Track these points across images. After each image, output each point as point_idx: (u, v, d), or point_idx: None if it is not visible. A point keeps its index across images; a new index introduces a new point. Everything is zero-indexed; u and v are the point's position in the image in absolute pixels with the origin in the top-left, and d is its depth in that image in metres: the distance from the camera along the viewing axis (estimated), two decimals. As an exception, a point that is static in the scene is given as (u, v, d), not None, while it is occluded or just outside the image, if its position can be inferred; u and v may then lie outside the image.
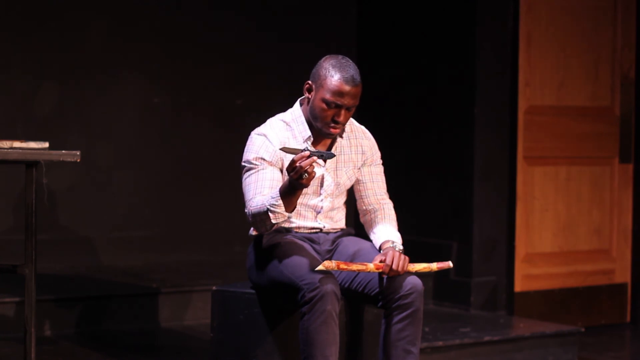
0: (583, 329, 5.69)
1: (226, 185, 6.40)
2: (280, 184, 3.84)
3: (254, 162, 3.90)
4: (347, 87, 3.81)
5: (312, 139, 3.94)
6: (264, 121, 4.07)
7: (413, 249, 6.18)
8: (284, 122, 3.97)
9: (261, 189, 3.85)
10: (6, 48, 5.80)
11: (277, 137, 3.91)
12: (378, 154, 4.12)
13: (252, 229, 4.06)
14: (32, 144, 4.00)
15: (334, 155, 3.73)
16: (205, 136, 6.37)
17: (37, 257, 4.00)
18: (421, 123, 6.30)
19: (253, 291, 4.07)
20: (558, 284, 6.34)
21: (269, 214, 3.75)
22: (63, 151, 3.99)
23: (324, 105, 3.83)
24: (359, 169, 4.07)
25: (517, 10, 6.09)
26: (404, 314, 3.82)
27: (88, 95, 6.02)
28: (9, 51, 5.80)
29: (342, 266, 3.76)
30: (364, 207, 4.11)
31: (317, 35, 6.64)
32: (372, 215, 4.08)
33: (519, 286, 6.16)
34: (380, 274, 3.82)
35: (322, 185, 3.99)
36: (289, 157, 3.87)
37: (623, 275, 6.60)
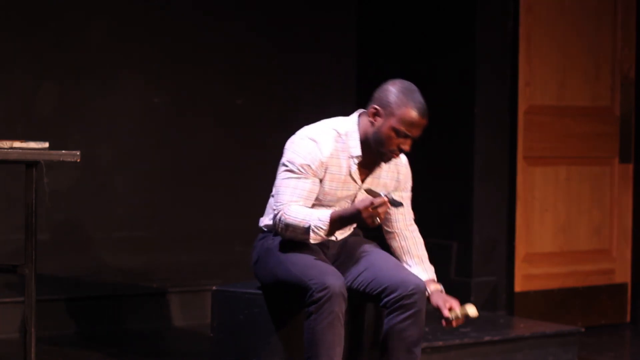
0: (583, 329, 5.68)
1: (226, 185, 6.40)
2: (315, 196, 3.84)
3: (299, 167, 3.84)
4: (419, 120, 3.83)
5: (360, 158, 3.90)
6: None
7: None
8: (338, 132, 3.91)
9: (297, 197, 3.82)
10: (6, 48, 5.80)
11: (327, 147, 3.86)
12: (410, 182, 4.12)
13: (265, 219, 4.04)
14: (32, 144, 4.00)
15: (402, 205, 3.79)
16: (205, 136, 6.37)
17: (37, 257, 4.00)
18: (421, 123, 6.30)
19: (253, 291, 4.07)
20: (558, 284, 6.34)
21: (310, 232, 3.75)
22: (63, 151, 3.99)
23: (393, 134, 3.81)
24: (393, 186, 4.05)
25: (517, 10, 6.09)
26: (407, 314, 3.82)
27: (88, 95, 6.02)
28: (9, 51, 5.80)
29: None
30: (392, 231, 4.10)
31: (317, 35, 6.64)
32: (404, 243, 4.09)
33: (519, 286, 6.16)
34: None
35: (352, 202, 3.97)
36: (332, 169, 3.85)
37: (623, 275, 6.60)
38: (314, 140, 3.86)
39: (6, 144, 3.94)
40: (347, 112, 3.92)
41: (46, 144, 4.04)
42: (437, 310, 3.99)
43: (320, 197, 3.90)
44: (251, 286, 4.12)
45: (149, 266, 6.00)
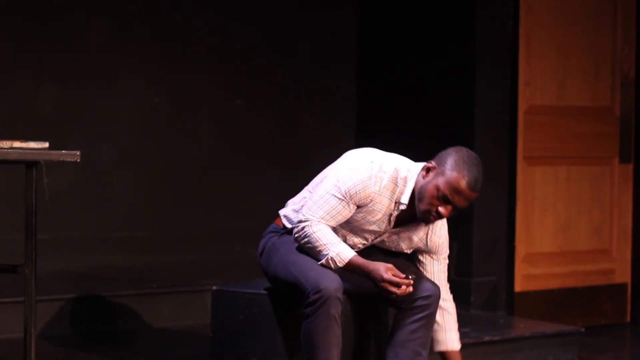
0: (583, 329, 5.68)
1: (226, 185, 6.40)
2: (345, 220, 3.80)
3: (346, 191, 3.77)
4: (466, 190, 3.71)
5: (404, 208, 3.83)
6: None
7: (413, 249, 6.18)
8: (398, 173, 3.81)
9: (330, 217, 3.78)
10: (6, 48, 5.80)
11: (381, 183, 3.78)
12: (446, 250, 4.02)
13: (289, 214, 3.99)
14: (32, 144, 3.99)
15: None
16: (205, 136, 6.37)
17: (37, 257, 4.00)
18: (421, 123, 6.30)
19: (253, 291, 4.07)
20: (558, 284, 6.34)
21: (322, 258, 3.74)
22: (63, 151, 3.99)
23: (435, 193, 3.72)
24: (411, 247, 3.98)
25: (517, 10, 6.09)
26: (420, 315, 3.84)
27: (88, 95, 6.02)
28: (9, 51, 5.80)
29: None
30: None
31: (317, 35, 6.64)
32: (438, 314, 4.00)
33: (519, 286, 6.16)
34: None
35: (375, 240, 3.96)
36: (374, 205, 3.79)
37: (623, 275, 6.60)
38: (373, 171, 3.79)
39: (6, 144, 3.94)
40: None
41: (46, 144, 4.04)
42: None
43: (348, 225, 3.88)
44: (251, 286, 4.13)
45: (149, 266, 6.00)
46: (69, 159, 3.98)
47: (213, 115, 6.39)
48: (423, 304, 3.83)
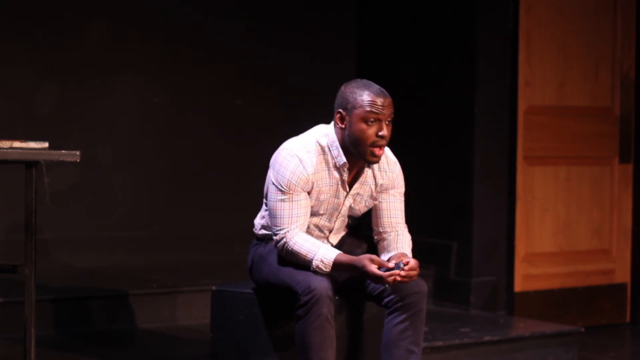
0: (583, 329, 5.69)
1: (226, 185, 6.40)
2: (309, 210, 3.86)
3: (286, 188, 3.84)
4: (380, 99, 3.79)
5: (347, 165, 3.89)
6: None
7: (413, 249, 6.18)
8: (320, 145, 3.89)
9: (296, 218, 3.84)
10: (6, 48, 5.80)
11: (311, 162, 3.85)
12: (401, 182, 4.07)
13: (258, 226, 4.07)
14: (32, 144, 4.00)
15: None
16: (205, 136, 6.36)
17: (37, 257, 4.00)
18: (421, 123, 6.30)
19: (253, 291, 4.07)
20: (558, 284, 6.34)
21: (310, 266, 3.79)
22: (63, 151, 3.99)
23: (364, 125, 3.78)
24: (375, 198, 4.04)
25: (517, 10, 6.09)
26: (408, 314, 3.84)
27: (88, 95, 6.02)
28: (9, 51, 5.80)
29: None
30: (377, 229, 4.08)
31: (317, 35, 6.64)
32: (386, 242, 4.05)
33: (518, 286, 6.16)
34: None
35: (340, 210, 3.99)
36: (319, 183, 3.86)
37: (623, 275, 6.60)
38: (298, 157, 3.85)
39: (6, 144, 3.94)
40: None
41: (46, 144, 4.04)
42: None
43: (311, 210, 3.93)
44: (251, 286, 4.13)
45: (149, 266, 6.00)
46: (69, 159, 3.98)
47: (213, 115, 6.39)
48: (410, 302, 3.84)
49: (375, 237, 4.09)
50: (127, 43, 6.11)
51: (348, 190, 3.95)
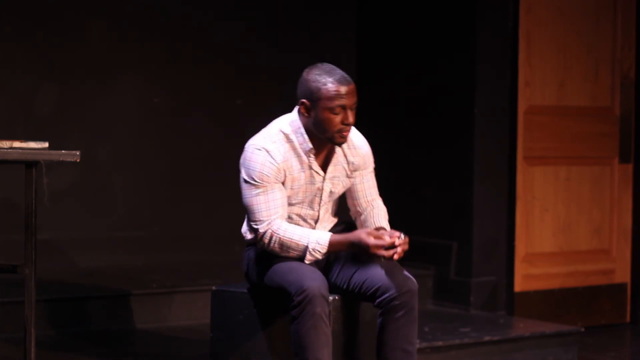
0: (583, 329, 5.69)
1: (226, 185, 6.39)
2: (287, 201, 3.87)
3: (259, 181, 3.86)
4: (344, 88, 3.81)
5: (313, 151, 3.92)
6: (266, 121, 4.06)
7: (413, 249, 6.18)
8: (284, 133, 3.93)
9: (274, 209, 3.85)
10: (6, 48, 5.80)
11: (279, 151, 3.88)
12: (371, 160, 4.12)
13: (246, 233, 4.07)
14: (32, 144, 4.00)
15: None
16: (205, 136, 6.36)
17: (37, 257, 4.00)
18: (421, 123, 6.30)
19: (253, 291, 4.07)
20: (558, 284, 6.34)
21: (307, 254, 3.79)
22: (63, 151, 3.99)
23: (330, 115, 3.81)
24: (351, 177, 4.07)
25: (517, 10, 6.09)
26: (399, 313, 3.84)
27: (88, 95, 6.02)
28: (9, 51, 5.80)
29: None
30: (354, 209, 4.13)
31: (317, 35, 6.64)
32: (363, 217, 4.11)
33: (518, 286, 6.16)
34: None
35: (320, 196, 4.00)
36: (291, 170, 3.87)
37: (623, 275, 6.60)
38: (265, 149, 3.88)
39: (6, 144, 3.94)
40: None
41: (46, 144, 4.04)
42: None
43: (289, 200, 3.94)
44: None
45: (149, 266, 6.00)
46: (68, 159, 3.98)
47: (213, 115, 6.39)
48: (401, 302, 3.83)
49: (353, 216, 4.15)
50: (127, 43, 6.11)
51: (324, 174, 3.96)
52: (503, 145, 6.10)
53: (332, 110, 3.81)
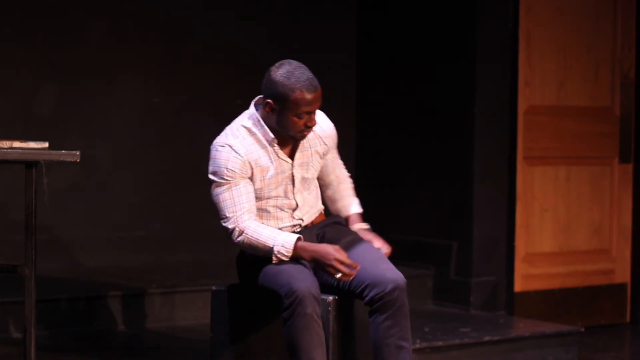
0: (583, 329, 5.69)
1: (226, 185, 6.39)
2: (253, 196, 3.89)
3: (224, 177, 3.90)
4: (311, 95, 3.81)
5: (276, 140, 3.93)
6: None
7: (413, 249, 6.19)
8: (245, 127, 3.95)
9: (240, 205, 3.87)
10: (6, 48, 5.80)
11: (242, 145, 3.91)
12: (336, 140, 4.18)
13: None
14: (32, 144, 4.00)
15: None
16: (205, 136, 6.34)
17: (37, 257, 4.00)
18: (421, 123, 6.30)
19: (252, 291, 4.07)
20: (558, 283, 6.34)
21: (272, 255, 3.80)
22: (63, 151, 3.99)
23: (295, 118, 3.83)
24: (323, 158, 4.10)
25: (517, 10, 6.09)
26: (390, 311, 3.82)
27: (88, 95, 6.02)
28: (9, 51, 5.80)
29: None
30: (322, 182, 4.20)
31: (317, 35, 6.64)
32: (330, 191, 4.21)
33: (518, 286, 6.16)
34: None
35: (293, 184, 3.99)
36: (258, 162, 3.89)
37: (623, 275, 6.60)
38: (228, 145, 3.91)
39: (6, 144, 3.94)
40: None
41: (46, 144, 4.04)
42: None
43: (262, 192, 3.93)
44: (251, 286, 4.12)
45: (149, 266, 6.00)
46: (68, 159, 3.98)
47: (213, 115, 6.39)
48: (389, 300, 3.81)
49: (322, 189, 4.21)
50: (127, 43, 6.11)
51: (291, 161, 3.96)
52: (503, 145, 6.10)
53: (298, 115, 3.83)
